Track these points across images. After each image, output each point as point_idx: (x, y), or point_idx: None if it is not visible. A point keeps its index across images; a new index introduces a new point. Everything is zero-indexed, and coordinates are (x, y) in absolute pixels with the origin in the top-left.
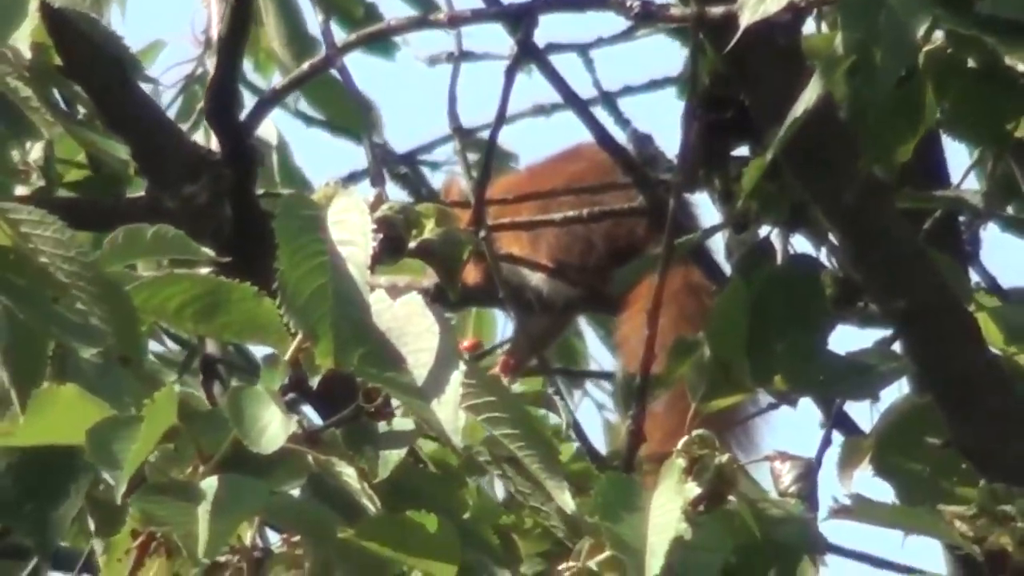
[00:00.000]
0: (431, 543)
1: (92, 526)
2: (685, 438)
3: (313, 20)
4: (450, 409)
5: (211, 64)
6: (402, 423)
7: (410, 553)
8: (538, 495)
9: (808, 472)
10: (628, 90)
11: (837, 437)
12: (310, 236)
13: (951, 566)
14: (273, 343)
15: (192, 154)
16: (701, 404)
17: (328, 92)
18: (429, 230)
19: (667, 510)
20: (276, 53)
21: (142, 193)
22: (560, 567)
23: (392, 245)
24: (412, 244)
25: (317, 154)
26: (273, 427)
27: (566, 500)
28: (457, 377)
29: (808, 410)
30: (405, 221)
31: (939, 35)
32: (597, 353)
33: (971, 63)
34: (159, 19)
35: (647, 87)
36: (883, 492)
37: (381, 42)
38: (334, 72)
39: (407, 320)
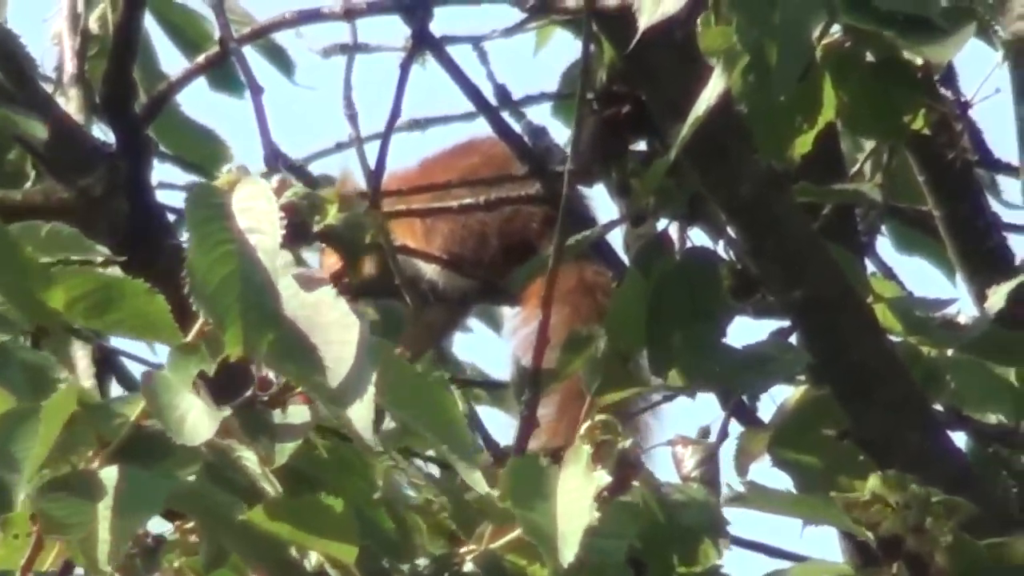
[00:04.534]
0: (331, 525)
1: None
2: (588, 423)
3: (165, 56)
4: (363, 409)
5: (64, 100)
6: (297, 412)
7: (309, 533)
8: (431, 488)
9: (710, 456)
10: (508, 101)
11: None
12: (217, 224)
13: (847, 555)
14: (165, 340)
15: (87, 146)
16: (596, 397)
17: (176, 128)
18: (332, 215)
19: (577, 497)
20: None
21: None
22: (462, 550)
23: (297, 230)
24: (316, 229)
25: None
26: (193, 416)
27: (477, 480)
28: (371, 377)
29: (707, 402)
30: (309, 206)
31: (837, 28)
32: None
33: (869, 57)
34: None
35: (525, 100)
36: (783, 485)
37: (281, 57)
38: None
39: (316, 310)
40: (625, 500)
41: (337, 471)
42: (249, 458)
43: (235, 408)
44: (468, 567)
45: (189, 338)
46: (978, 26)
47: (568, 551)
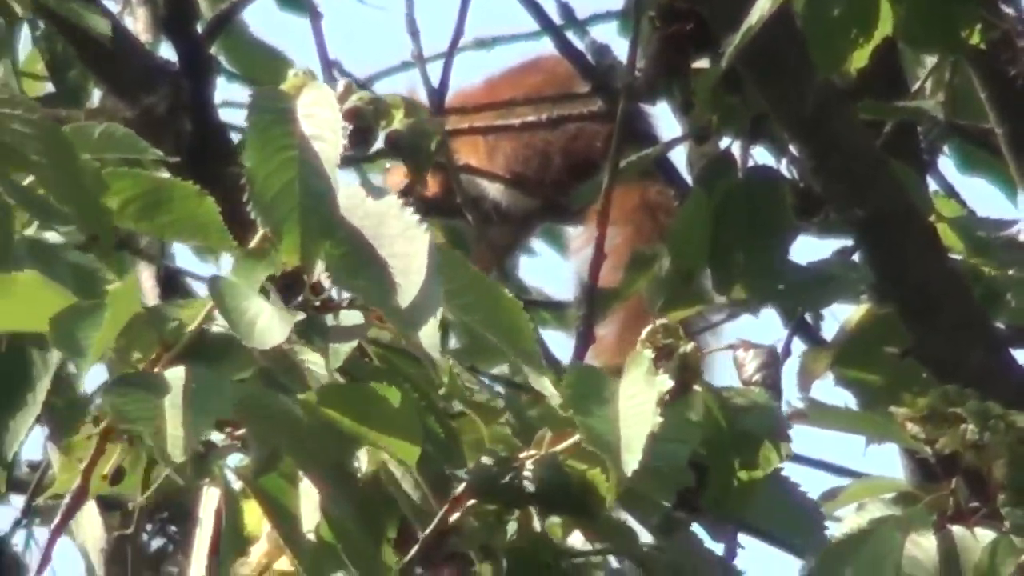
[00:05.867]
0: (393, 420)
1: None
2: (649, 327)
3: None
4: (432, 331)
5: (131, 19)
6: (349, 316)
7: (372, 427)
8: (488, 391)
9: (772, 360)
10: (572, 19)
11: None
12: (280, 129)
13: (908, 472)
14: (214, 243)
15: (150, 64)
16: (660, 314)
17: (243, 47)
18: (398, 121)
19: (639, 402)
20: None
21: (99, 104)
22: (522, 455)
23: (361, 137)
24: (381, 134)
25: None
26: (264, 320)
27: (544, 384)
28: (440, 296)
29: (770, 320)
30: (374, 111)
31: None
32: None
33: None
34: None
35: (590, 20)
36: (846, 403)
37: None
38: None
39: (380, 220)
40: (687, 404)
41: (391, 379)
42: (314, 360)
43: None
44: (528, 472)
45: (252, 245)
46: None
47: (632, 458)
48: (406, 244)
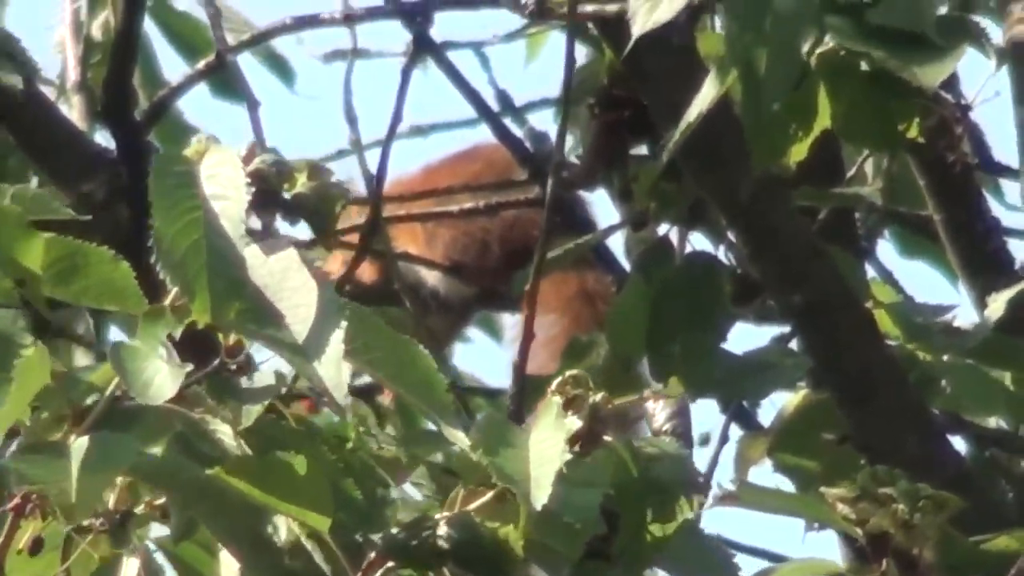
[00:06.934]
0: (302, 489)
1: None
2: (559, 378)
3: (167, 62)
4: (332, 366)
5: (67, 107)
6: (263, 378)
7: (281, 497)
8: (409, 447)
9: (682, 410)
10: (510, 107)
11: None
12: (184, 192)
13: (848, 561)
14: (131, 307)
15: (88, 151)
16: None
17: (178, 134)
18: (301, 184)
19: (549, 443)
20: None
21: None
22: (436, 516)
23: (265, 199)
24: (285, 197)
25: None
26: (159, 378)
27: (457, 436)
28: (339, 334)
29: (707, 405)
30: (277, 175)
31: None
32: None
33: (864, 66)
34: None
35: (526, 106)
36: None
37: (282, 66)
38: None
39: (283, 276)
40: (599, 453)
41: (307, 440)
42: (222, 430)
43: (204, 375)
44: (442, 531)
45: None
46: (971, 34)
47: (541, 493)
48: (306, 295)
